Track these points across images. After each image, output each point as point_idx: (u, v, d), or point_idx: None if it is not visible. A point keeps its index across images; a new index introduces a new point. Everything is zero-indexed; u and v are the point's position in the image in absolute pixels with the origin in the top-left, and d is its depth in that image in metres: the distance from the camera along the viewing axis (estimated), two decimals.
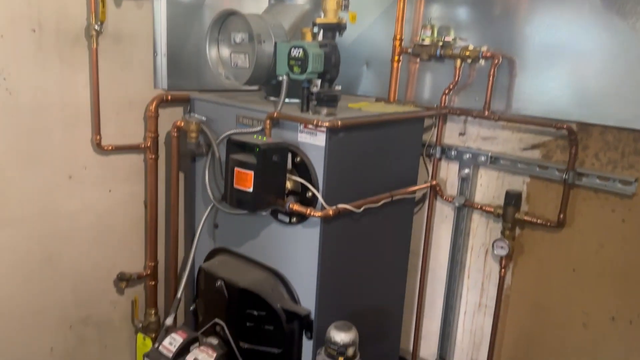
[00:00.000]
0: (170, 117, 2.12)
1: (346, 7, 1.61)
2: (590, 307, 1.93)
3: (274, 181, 1.62)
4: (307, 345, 1.82)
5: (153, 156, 2.06)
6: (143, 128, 2.08)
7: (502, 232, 2.03)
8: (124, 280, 2.09)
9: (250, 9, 2.21)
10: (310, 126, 1.63)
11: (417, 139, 2.08)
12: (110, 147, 1.95)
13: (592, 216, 1.88)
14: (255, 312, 1.80)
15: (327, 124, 1.56)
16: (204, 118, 1.95)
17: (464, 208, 2.16)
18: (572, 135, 1.82)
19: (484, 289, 2.20)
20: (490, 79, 1.95)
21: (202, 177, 2.01)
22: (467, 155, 2.11)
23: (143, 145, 2.05)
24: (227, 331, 1.87)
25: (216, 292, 1.87)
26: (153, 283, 2.19)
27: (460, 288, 2.26)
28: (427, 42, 2.09)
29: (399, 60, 2.21)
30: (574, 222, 1.92)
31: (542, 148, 1.97)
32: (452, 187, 2.22)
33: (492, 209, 2.05)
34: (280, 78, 1.63)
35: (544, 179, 1.96)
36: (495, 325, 2.12)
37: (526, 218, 1.96)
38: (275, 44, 1.63)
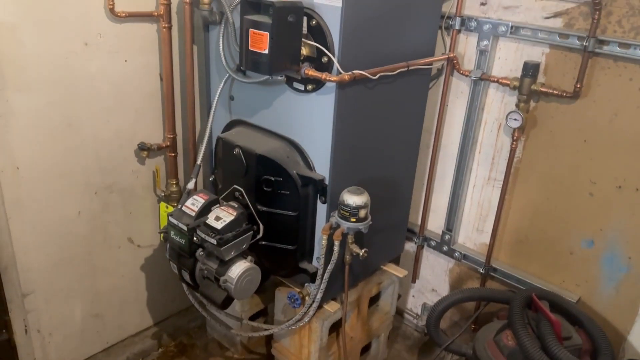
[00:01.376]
0: None
1: None
2: (598, 177, 1.97)
3: (289, 43, 1.61)
4: (322, 208, 1.91)
5: (167, 25, 2.04)
6: None
7: (517, 104, 2.03)
8: (144, 150, 2.15)
9: None
10: None
11: (436, 8, 2.02)
12: (123, 14, 1.93)
13: (608, 86, 1.87)
14: (272, 178, 1.87)
15: None
16: None
17: (480, 82, 2.14)
18: (596, 0, 1.75)
19: (494, 163, 2.24)
20: None
21: (216, 47, 2.00)
22: (487, 26, 2.06)
23: (156, 14, 2.02)
24: (245, 196, 1.95)
25: (234, 160, 1.94)
26: (173, 155, 2.26)
27: (471, 163, 2.30)
28: None
29: None
30: (590, 92, 1.91)
31: (565, 16, 1.91)
32: (469, 61, 2.19)
33: (508, 82, 2.03)
34: None
35: (564, 49, 1.92)
36: (503, 197, 2.19)
37: (542, 89, 1.95)
38: None
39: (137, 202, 2.30)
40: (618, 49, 1.80)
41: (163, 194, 2.30)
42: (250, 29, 1.59)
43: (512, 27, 2.00)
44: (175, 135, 2.24)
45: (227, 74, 1.97)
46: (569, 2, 1.88)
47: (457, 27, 2.13)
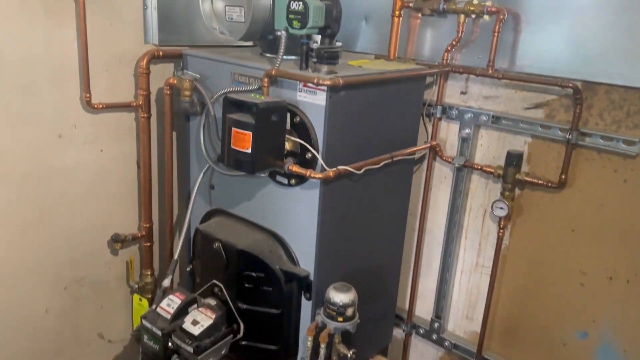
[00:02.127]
0: (162, 74, 2.04)
1: None
2: (588, 266, 1.93)
3: (273, 142, 1.57)
4: (306, 305, 1.82)
5: (145, 115, 1.99)
6: (134, 85, 2.00)
7: (502, 193, 2.01)
8: (118, 242, 2.06)
9: None
10: (310, 85, 1.57)
11: (418, 98, 2.03)
12: (100, 106, 1.88)
13: (593, 177, 1.86)
14: (253, 274, 1.78)
15: (328, 82, 1.50)
16: (197, 75, 1.88)
17: (464, 169, 2.13)
18: (577, 94, 1.77)
19: (481, 249, 2.20)
20: (495, 35, 1.88)
21: (197, 137, 1.95)
22: (469, 115, 2.06)
23: (135, 104, 1.98)
24: (225, 292, 1.85)
25: (214, 254, 1.85)
26: (148, 244, 2.16)
27: (458, 248, 2.26)
28: None
29: (399, 15, 2.13)
30: (575, 183, 1.90)
31: (546, 107, 1.93)
32: (451, 147, 2.18)
33: (492, 170, 2.02)
34: (279, 33, 1.56)
35: (546, 139, 1.93)
36: (492, 284, 2.13)
37: (527, 179, 1.94)
38: None
39: (109, 295, 2.17)
40: (601, 141, 1.80)
41: (137, 286, 2.18)
42: (232, 128, 1.55)
43: (493, 116, 2.00)
44: (152, 224, 2.15)
45: (208, 164, 1.92)
46: (549, 94, 1.90)
47: (438, 115, 2.13)
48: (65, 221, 1.94)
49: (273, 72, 1.60)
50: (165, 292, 1.82)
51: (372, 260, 2.06)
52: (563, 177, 1.87)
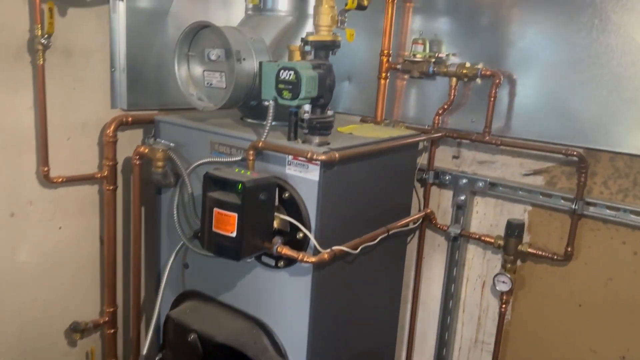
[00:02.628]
0: (130, 142, 1.86)
1: (342, 23, 1.40)
2: (598, 345, 1.79)
3: (260, 223, 1.39)
4: None
5: (111, 187, 1.79)
6: (98, 155, 1.80)
7: (503, 266, 1.87)
8: (77, 332, 1.80)
9: (221, 20, 1.98)
10: (301, 158, 1.41)
11: (411, 165, 1.90)
12: (60, 180, 1.67)
13: (600, 248, 1.74)
14: None
15: (323, 157, 1.34)
16: (171, 144, 1.70)
17: (460, 238, 1.99)
18: (582, 163, 1.67)
19: (480, 323, 2.04)
20: (492, 100, 1.78)
21: (169, 211, 1.76)
22: (463, 181, 1.93)
23: (99, 175, 1.77)
24: None
25: (188, 347, 1.62)
26: (112, 331, 1.91)
27: (455, 323, 2.09)
28: (419, 57, 1.91)
29: (386, 77, 2.03)
30: (581, 254, 1.77)
31: (546, 174, 1.82)
32: (444, 214, 2.05)
33: (492, 240, 1.88)
34: (266, 103, 1.41)
35: (548, 208, 1.81)
36: None
37: (530, 250, 1.81)
38: (261, 64, 1.40)
39: None
40: (607, 211, 1.70)
41: None
42: (214, 209, 1.36)
43: (490, 183, 1.88)
44: (116, 308, 1.91)
45: (181, 242, 1.71)
46: (549, 160, 1.80)
47: (431, 181, 2.00)
48: (16, 310, 1.69)
49: (260, 144, 1.43)
50: None
51: (366, 341, 1.86)
52: (569, 249, 1.75)
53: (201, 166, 1.66)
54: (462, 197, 1.95)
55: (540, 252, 1.80)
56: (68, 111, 1.70)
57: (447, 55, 1.91)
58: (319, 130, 1.43)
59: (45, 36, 1.52)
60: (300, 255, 1.41)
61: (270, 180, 1.39)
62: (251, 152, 1.46)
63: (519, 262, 1.88)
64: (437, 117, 1.93)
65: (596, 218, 1.73)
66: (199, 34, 1.61)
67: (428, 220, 2.02)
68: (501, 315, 1.92)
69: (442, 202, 2.05)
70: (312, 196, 1.43)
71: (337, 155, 1.36)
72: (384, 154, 1.65)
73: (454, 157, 2.00)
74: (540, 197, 1.80)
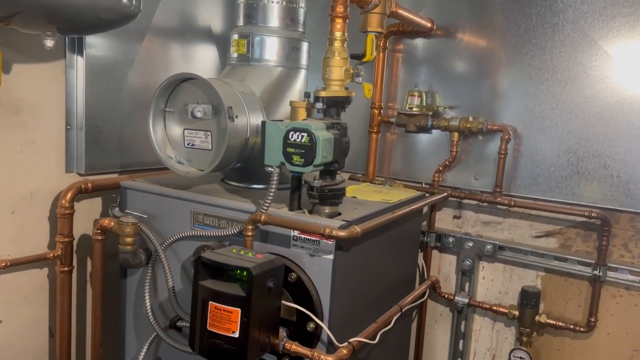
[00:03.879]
0: (87, 212, 1.56)
1: (357, 76, 1.21)
2: None
3: (267, 316, 1.14)
4: None
5: (66, 268, 1.47)
6: (49, 230, 1.50)
7: (519, 339, 1.69)
8: None
9: (196, 70, 1.75)
10: (311, 234, 1.18)
11: (417, 229, 1.71)
12: (3, 264, 1.35)
13: (623, 317, 1.60)
14: None
15: (343, 233, 1.12)
16: (144, 216, 1.42)
17: (467, 308, 1.79)
18: (605, 225, 1.54)
19: None
20: (502, 157, 1.64)
21: (137, 297, 1.47)
22: (469, 244, 1.76)
23: (52, 255, 1.46)
24: None
25: None
26: None
27: None
28: (415, 110, 1.75)
29: (378, 131, 1.85)
30: (602, 324, 1.62)
31: (559, 236, 1.68)
32: (445, 281, 1.86)
33: (505, 310, 1.70)
34: (270, 170, 1.18)
35: (563, 273, 1.66)
36: None
37: (549, 321, 1.64)
38: (264, 124, 1.18)
39: None
40: (630, 276, 1.57)
41: None
42: (209, 302, 1.10)
43: (499, 246, 1.72)
44: None
45: (154, 334, 1.42)
46: (562, 221, 1.66)
47: (432, 244, 1.81)
48: None
49: (262, 217, 1.19)
50: None
51: None
52: (592, 319, 1.59)
53: (178, 242, 1.40)
54: (468, 262, 1.77)
55: (559, 323, 1.63)
56: (13, 179, 1.40)
57: (444, 108, 1.77)
58: (330, 199, 1.21)
59: None
60: (316, 354, 1.16)
61: (277, 263, 1.15)
62: (250, 227, 1.21)
63: (534, 334, 1.71)
64: (436, 174, 1.77)
65: (618, 284, 1.59)
66: (178, 88, 1.37)
67: (432, 290, 1.82)
68: None
69: (443, 267, 1.86)
70: (324, 278, 1.20)
71: (358, 230, 1.14)
72: (398, 223, 1.45)
73: (455, 217, 1.83)
74: (555, 261, 1.66)
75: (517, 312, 1.67)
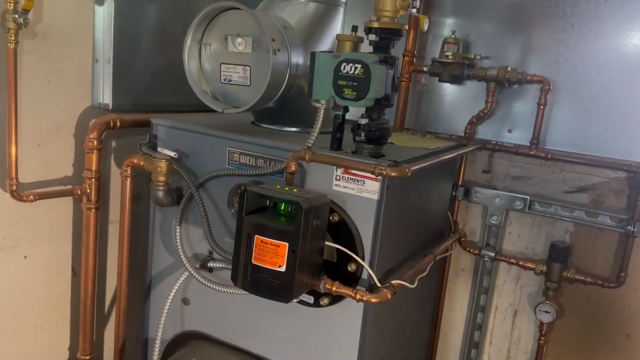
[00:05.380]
0: (115, 151, 1.52)
1: (413, 6, 1.15)
2: None
3: (313, 254, 1.11)
4: None
5: (94, 205, 1.43)
6: (73, 165, 1.45)
7: (545, 293, 1.68)
8: None
9: None
10: (357, 172, 1.14)
11: (450, 180, 1.68)
12: (31, 197, 1.30)
13: None
14: None
15: (394, 172, 1.08)
16: (175, 154, 1.38)
17: (492, 261, 1.78)
18: None
19: (510, 357, 1.84)
20: (541, 108, 1.60)
21: (167, 234, 1.43)
22: (498, 199, 1.74)
23: (79, 191, 1.41)
24: None
25: None
26: None
27: (481, 357, 1.88)
28: (450, 59, 1.70)
29: (409, 80, 1.80)
30: (629, 280, 1.61)
31: (591, 192, 1.66)
32: (470, 234, 1.84)
33: (533, 265, 1.69)
34: (318, 105, 1.13)
35: (593, 228, 1.65)
36: None
37: (577, 277, 1.63)
38: (313, 54, 1.12)
39: None
40: None
41: None
42: (255, 236, 1.07)
43: (529, 201, 1.69)
44: (93, 354, 1.54)
45: (185, 272, 1.39)
46: (595, 176, 1.64)
47: (460, 198, 1.79)
48: None
49: (307, 155, 1.15)
50: None
51: None
52: (622, 274, 1.58)
53: (211, 182, 1.36)
54: (496, 217, 1.75)
55: (588, 279, 1.62)
56: (39, 110, 1.34)
57: (480, 57, 1.72)
58: (376, 139, 1.17)
59: (21, 11, 1.17)
60: (359, 294, 1.14)
61: (324, 200, 1.11)
62: (294, 164, 1.17)
63: (560, 290, 1.70)
64: (469, 126, 1.73)
65: None
66: (216, 19, 1.31)
67: (457, 242, 1.81)
68: (539, 349, 1.73)
69: (469, 221, 1.84)
70: (368, 219, 1.17)
71: (408, 169, 1.10)
72: (435, 171, 1.42)
73: (484, 171, 1.80)
74: (585, 216, 1.64)
75: (544, 267, 1.66)
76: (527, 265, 1.70)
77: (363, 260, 1.18)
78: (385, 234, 1.19)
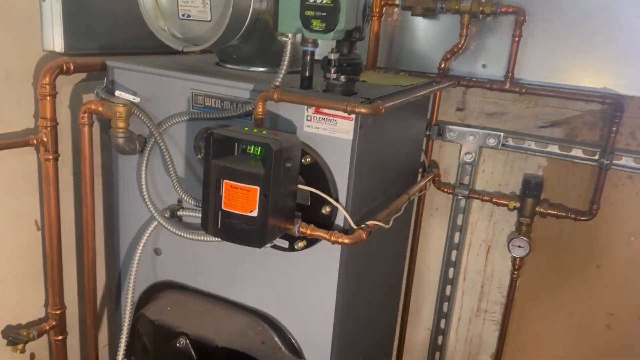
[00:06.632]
0: (73, 98, 1.43)
1: None
2: (616, 307, 1.69)
3: (284, 198, 1.07)
4: None
5: (51, 155, 1.35)
6: (27, 113, 1.36)
7: (518, 229, 1.69)
8: (18, 342, 1.39)
9: None
10: (328, 112, 1.09)
11: (423, 118, 1.64)
12: None
13: (623, 205, 1.62)
14: None
15: (365, 110, 1.03)
16: (135, 98, 1.30)
17: (466, 200, 1.78)
18: (618, 111, 1.50)
19: (484, 292, 1.87)
20: (516, 41, 1.55)
21: (132, 187, 1.38)
22: (472, 137, 1.71)
23: (35, 140, 1.33)
24: None
25: (175, 354, 1.28)
26: (60, 337, 1.51)
27: (454, 292, 1.91)
28: None
29: (381, 15, 1.73)
30: (601, 212, 1.63)
31: (565, 126, 1.64)
32: (444, 174, 1.83)
33: (506, 202, 1.69)
34: (285, 39, 1.06)
35: (566, 162, 1.65)
36: (504, 332, 1.82)
37: (550, 211, 1.64)
38: None
39: None
40: (633, 163, 1.56)
41: None
42: (224, 181, 1.02)
43: (504, 137, 1.68)
44: (64, 308, 1.50)
45: (154, 222, 1.34)
46: (569, 110, 1.62)
47: (434, 137, 1.76)
48: None
49: (275, 95, 1.09)
50: None
51: (374, 320, 1.63)
52: (595, 207, 1.60)
53: (174, 126, 1.29)
54: (470, 155, 1.74)
55: (561, 213, 1.63)
56: None
57: None
58: (348, 75, 1.12)
59: None
60: (334, 236, 1.12)
61: (296, 141, 1.07)
62: (261, 104, 1.11)
63: (533, 224, 1.72)
64: (443, 62, 1.67)
65: (620, 171, 1.59)
66: None
67: (431, 182, 1.79)
68: (512, 282, 1.76)
69: (443, 160, 1.82)
70: (342, 160, 1.13)
71: (382, 107, 1.05)
72: (410, 107, 1.38)
73: (458, 109, 1.77)
74: (559, 150, 1.63)
75: (518, 203, 1.67)
76: (501, 202, 1.70)
77: (337, 202, 1.15)
78: (359, 175, 1.15)
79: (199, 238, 1.21)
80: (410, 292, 1.95)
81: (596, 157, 1.57)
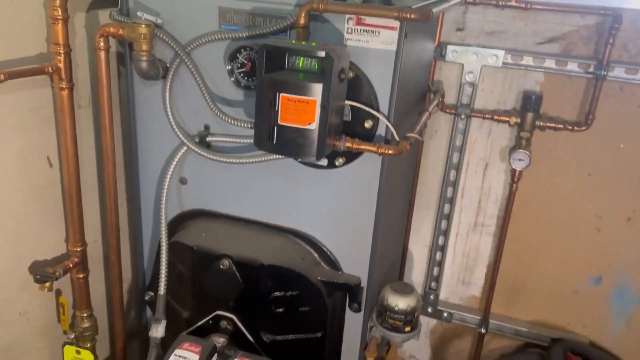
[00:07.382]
0: (85, 19, 1.34)
1: None
2: (605, 211, 1.83)
3: (338, 111, 1.08)
4: (352, 318, 1.40)
5: (66, 85, 1.29)
6: (37, 39, 1.27)
7: (519, 143, 1.78)
8: (47, 280, 1.35)
9: None
10: (369, 22, 1.09)
11: (432, 38, 1.66)
12: (2, 77, 1.14)
13: (613, 114, 1.72)
14: (286, 293, 1.30)
15: (414, 15, 1.04)
16: (158, 19, 1.24)
17: (466, 120, 1.84)
18: (616, 22, 1.58)
19: (481, 207, 1.97)
20: None
21: (156, 114, 1.34)
22: (474, 56, 1.76)
23: (49, 69, 1.25)
24: (240, 324, 1.34)
25: (218, 276, 1.30)
26: (82, 276, 1.48)
27: (453, 209, 2.00)
28: None
29: None
30: (593, 122, 1.74)
31: (561, 41, 1.71)
32: (445, 95, 1.87)
33: (507, 118, 1.76)
34: None
35: (562, 76, 1.73)
36: (502, 243, 1.94)
37: (549, 124, 1.73)
38: None
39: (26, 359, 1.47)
40: (624, 74, 1.66)
41: (74, 336, 1.51)
42: (281, 94, 1.01)
43: (504, 55, 1.73)
44: (85, 245, 1.47)
45: (182, 148, 1.32)
46: (566, 25, 1.69)
47: (437, 58, 1.79)
48: None
49: (320, 5, 1.07)
50: (166, 346, 1.23)
51: (394, 233, 1.70)
52: (590, 117, 1.70)
53: (200, 49, 1.25)
54: (472, 75, 1.78)
55: (559, 125, 1.73)
56: None
57: None
58: None
59: None
60: (381, 148, 1.14)
61: (346, 53, 1.07)
62: (304, 15, 1.09)
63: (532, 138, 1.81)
64: None
65: (612, 82, 1.68)
66: None
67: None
68: (511, 194, 1.87)
69: (444, 81, 1.86)
70: (386, 73, 1.14)
71: (430, 13, 1.06)
72: (426, 26, 1.39)
73: (458, 29, 1.80)
74: (555, 65, 1.71)
75: (519, 119, 1.75)
76: (502, 118, 1.77)
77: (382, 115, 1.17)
78: (402, 88, 1.17)
79: (238, 161, 1.21)
80: (412, 211, 2.02)
81: (591, 70, 1.66)
